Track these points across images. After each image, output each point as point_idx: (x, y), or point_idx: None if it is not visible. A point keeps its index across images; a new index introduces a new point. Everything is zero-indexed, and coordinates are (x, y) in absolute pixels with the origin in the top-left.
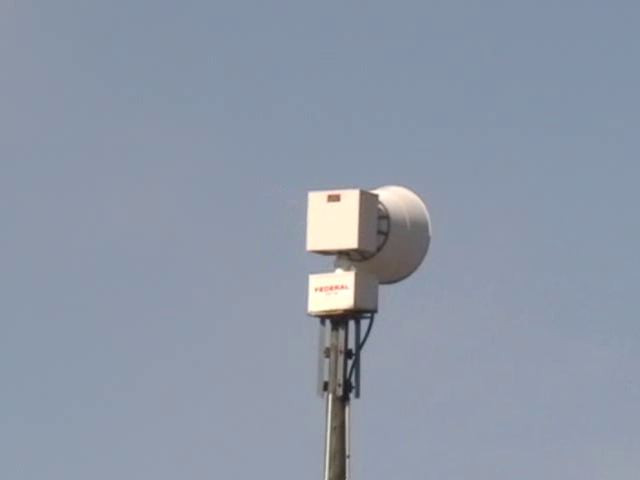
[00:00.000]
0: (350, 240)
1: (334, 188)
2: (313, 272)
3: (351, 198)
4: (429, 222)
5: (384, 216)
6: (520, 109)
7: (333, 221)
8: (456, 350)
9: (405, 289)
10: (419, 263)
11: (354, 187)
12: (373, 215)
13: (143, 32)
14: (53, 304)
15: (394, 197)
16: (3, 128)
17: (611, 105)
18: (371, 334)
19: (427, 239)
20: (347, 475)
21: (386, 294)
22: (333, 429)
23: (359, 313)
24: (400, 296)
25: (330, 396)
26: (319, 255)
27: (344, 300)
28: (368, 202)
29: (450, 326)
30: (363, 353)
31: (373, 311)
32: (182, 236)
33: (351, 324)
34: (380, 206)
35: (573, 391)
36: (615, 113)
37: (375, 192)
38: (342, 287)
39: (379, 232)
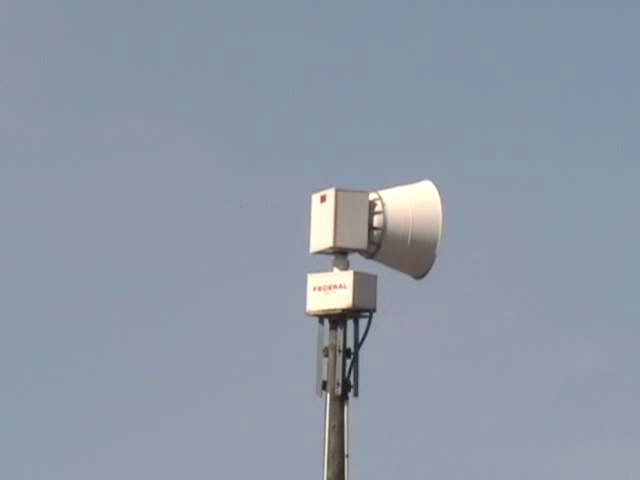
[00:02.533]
0: (328, 239)
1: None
2: (312, 271)
3: (330, 197)
4: (440, 215)
5: (380, 212)
6: (526, 113)
7: (322, 221)
8: (454, 349)
9: (404, 288)
10: (434, 253)
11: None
12: (356, 212)
13: (138, 28)
14: (52, 305)
15: (405, 192)
16: None
17: (612, 106)
18: (369, 333)
19: (437, 232)
20: (346, 474)
21: (385, 294)
22: (332, 428)
23: (357, 312)
24: (398, 295)
25: (329, 395)
26: (318, 255)
27: (342, 299)
28: (348, 200)
29: (449, 325)
30: (362, 352)
31: (371, 310)
32: (182, 236)
33: (349, 323)
34: (378, 202)
35: (574, 390)
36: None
37: (402, 187)
38: (340, 286)
39: (375, 228)
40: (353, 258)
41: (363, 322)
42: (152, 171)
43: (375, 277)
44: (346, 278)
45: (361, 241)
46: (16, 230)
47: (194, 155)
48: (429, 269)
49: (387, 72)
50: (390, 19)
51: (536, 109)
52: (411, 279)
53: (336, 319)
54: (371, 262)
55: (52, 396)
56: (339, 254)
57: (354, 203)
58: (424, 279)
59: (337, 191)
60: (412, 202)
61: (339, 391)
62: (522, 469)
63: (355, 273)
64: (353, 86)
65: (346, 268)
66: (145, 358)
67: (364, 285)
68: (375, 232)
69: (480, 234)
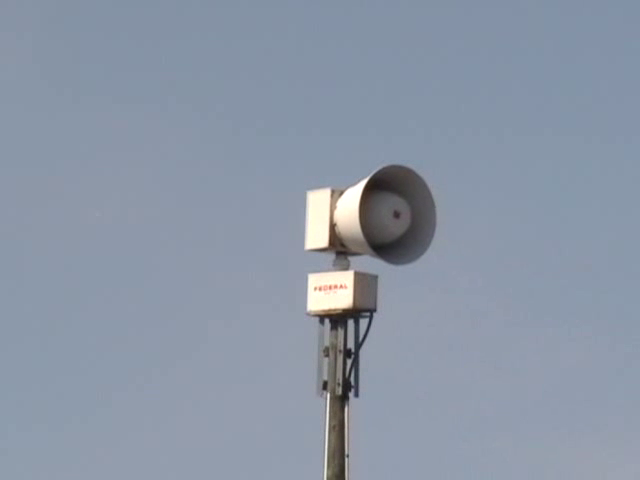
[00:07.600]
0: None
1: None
2: (312, 271)
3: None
4: (358, 196)
5: (336, 207)
6: (523, 111)
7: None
8: (455, 349)
9: (404, 288)
10: (361, 238)
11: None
12: (320, 211)
13: (135, 28)
14: (51, 305)
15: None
16: None
17: (612, 106)
18: (370, 333)
19: (355, 218)
20: (346, 474)
21: (385, 293)
22: (332, 428)
23: (358, 312)
24: (399, 295)
25: (329, 395)
26: (319, 254)
27: (343, 299)
28: (315, 200)
29: (449, 325)
30: (362, 352)
31: (372, 310)
32: (180, 236)
33: (350, 323)
34: (340, 197)
35: (573, 387)
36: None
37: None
38: (341, 286)
39: (335, 224)
40: (355, 258)
41: (364, 322)
42: (148, 170)
43: (376, 277)
44: (347, 278)
45: (322, 240)
46: (14, 230)
47: (188, 155)
48: (381, 255)
49: (387, 71)
50: (389, 18)
51: (534, 107)
52: (411, 276)
53: (337, 319)
54: (373, 262)
55: (51, 396)
56: (339, 254)
57: (319, 202)
58: (414, 269)
59: (311, 192)
60: (354, 190)
61: (339, 391)
62: (523, 469)
63: (356, 273)
64: (354, 84)
65: (347, 268)
66: (144, 358)
67: (365, 285)
68: (336, 228)
69: (480, 234)
